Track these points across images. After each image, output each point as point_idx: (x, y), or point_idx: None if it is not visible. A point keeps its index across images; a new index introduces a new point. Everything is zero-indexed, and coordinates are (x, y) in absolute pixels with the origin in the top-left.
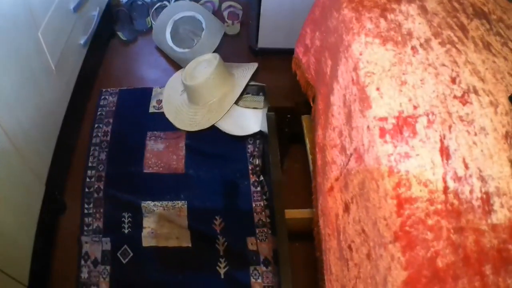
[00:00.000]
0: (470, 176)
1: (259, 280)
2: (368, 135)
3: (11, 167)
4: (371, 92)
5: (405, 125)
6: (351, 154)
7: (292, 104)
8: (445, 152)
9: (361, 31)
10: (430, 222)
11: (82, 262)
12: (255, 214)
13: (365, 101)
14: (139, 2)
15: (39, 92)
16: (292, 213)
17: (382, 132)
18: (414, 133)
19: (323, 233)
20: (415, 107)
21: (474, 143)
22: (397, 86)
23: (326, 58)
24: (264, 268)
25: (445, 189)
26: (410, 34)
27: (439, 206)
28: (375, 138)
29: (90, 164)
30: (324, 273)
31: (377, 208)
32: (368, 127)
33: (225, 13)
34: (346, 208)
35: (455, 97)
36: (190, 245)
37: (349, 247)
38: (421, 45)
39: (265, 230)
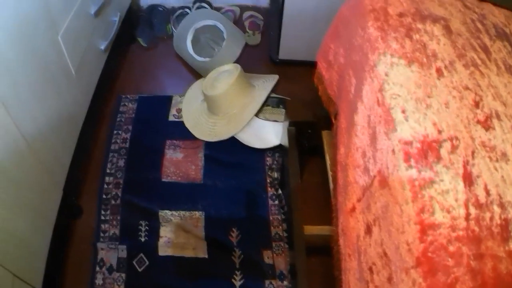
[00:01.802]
0: (491, 202)
1: None
2: (393, 159)
3: (29, 171)
4: (396, 115)
5: (429, 149)
6: (374, 176)
7: (313, 118)
8: (467, 178)
9: (386, 51)
10: (451, 248)
11: (97, 268)
12: (272, 227)
13: (390, 123)
14: (160, 8)
15: (59, 96)
16: (311, 229)
17: (407, 156)
18: (438, 158)
19: (343, 252)
20: (439, 132)
21: (495, 169)
22: (422, 109)
23: (350, 76)
24: (279, 282)
25: (467, 215)
26: (435, 55)
27: (460, 233)
28: (399, 162)
29: (108, 171)
30: None
31: (400, 233)
32: (393, 150)
33: (246, 23)
34: (368, 230)
35: (478, 121)
36: (206, 256)
37: (370, 269)
38: (445, 67)
39: (282, 244)
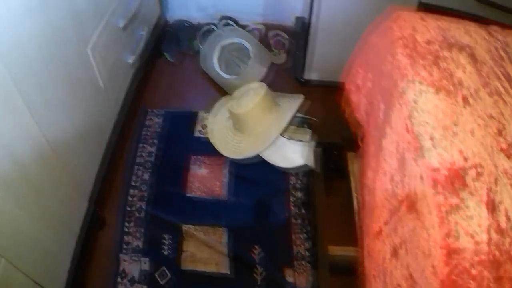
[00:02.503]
0: (511, 228)
1: None
2: (421, 185)
3: (56, 181)
4: (425, 142)
5: (455, 176)
6: (402, 201)
7: (339, 140)
8: (490, 205)
9: (415, 78)
10: (474, 271)
11: (119, 279)
12: (294, 246)
13: (419, 150)
14: (186, 24)
15: (87, 108)
16: (335, 249)
17: (435, 182)
18: (464, 185)
19: (368, 273)
20: (465, 159)
21: None
22: (449, 137)
23: (379, 101)
24: None
25: (489, 240)
26: (461, 83)
27: (482, 257)
28: (427, 188)
29: (133, 183)
30: None
31: (426, 256)
32: (421, 176)
33: (272, 41)
34: (394, 253)
35: (501, 149)
36: (228, 272)
37: None
38: (471, 95)
39: (303, 263)
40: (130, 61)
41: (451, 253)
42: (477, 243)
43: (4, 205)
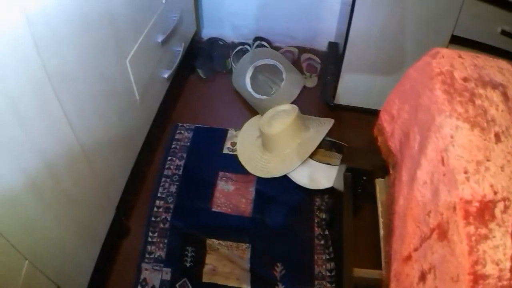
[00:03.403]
0: None
1: None
2: (453, 215)
3: (87, 188)
4: (459, 175)
5: (486, 209)
6: (433, 229)
7: (369, 166)
8: None
9: (452, 114)
10: None
11: (139, 287)
12: (316, 266)
13: (453, 182)
14: (220, 42)
15: (121, 118)
16: (360, 272)
17: (467, 213)
18: (493, 217)
19: None
20: (495, 193)
21: None
22: (481, 171)
23: (415, 133)
24: None
25: (511, 267)
26: (493, 120)
27: (505, 283)
28: (459, 218)
29: (159, 195)
30: None
31: (454, 281)
32: (454, 207)
33: (304, 65)
34: (422, 277)
35: None
36: (249, 287)
37: None
38: (502, 132)
39: (324, 283)
40: (166, 75)
41: (478, 279)
42: (501, 270)
43: (33, 208)
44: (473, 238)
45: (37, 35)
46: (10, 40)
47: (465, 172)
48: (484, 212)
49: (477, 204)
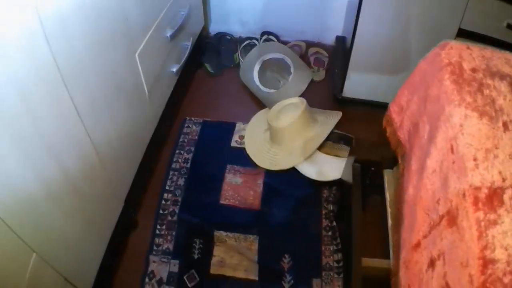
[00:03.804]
0: None
1: None
2: (463, 201)
3: (96, 182)
4: (469, 162)
5: (494, 195)
6: (443, 216)
7: (377, 157)
8: None
9: (461, 104)
10: (505, 280)
11: (147, 279)
12: (323, 257)
13: (463, 170)
14: (228, 37)
15: (130, 112)
16: (368, 262)
17: (476, 200)
18: (502, 203)
19: (403, 283)
20: (503, 180)
21: None
22: (490, 159)
23: (424, 123)
24: None
25: None
26: (501, 110)
27: None
28: (468, 205)
29: (167, 188)
30: None
31: (464, 266)
32: (463, 194)
33: (311, 58)
34: (432, 264)
35: None
36: (257, 278)
37: None
38: (510, 121)
39: (331, 274)
40: (174, 70)
41: (487, 263)
42: (509, 255)
43: (41, 201)
44: (482, 224)
45: (48, 30)
46: (22, 35)
47: (474, 160)
48: (493, 198)
49: (486, 191)
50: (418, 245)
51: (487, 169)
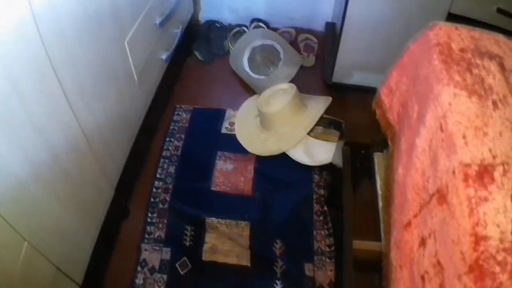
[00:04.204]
0: None
1: None
2: (453, 179)
3: (86, 168)
4: (458, 140)
5: (485, 172)
6: (433, 194)
7: (367, 140)
8: None
9: (450, 83)
10: (499, 257)
11: (139, 268)
12: (315, 241)
13: (452, 147)
14: (217, 25)
15: (120, 99)
16: (360, 244)
17: (466, 177)
18: (492, 180)
19: (394, 264)
20: (494, 157)
21: None
22: (480, 136)
23: (413, 103)
24: None
25: None
26: (491, 89)
27: (507, 245)
28: (459, 182)
29: (158, 176)
30: None
31: (455, 244)
32: (453, 171)
33: (301, 45)
34: (423, 242)
35: None
36: (249, 264)
37: (422, 277)
38: (500, 100)
39: (323, 258)
40: (164, 57)
41: (479, 240)
42: (502, 232)
43: (32, 187)
44: (473, 200)
45: (38, 15)
46: (12, 21)
47: (464, 137)
48: (483, 175)
49: (476, 168)
50: (408, 224)
51: (477, 147)
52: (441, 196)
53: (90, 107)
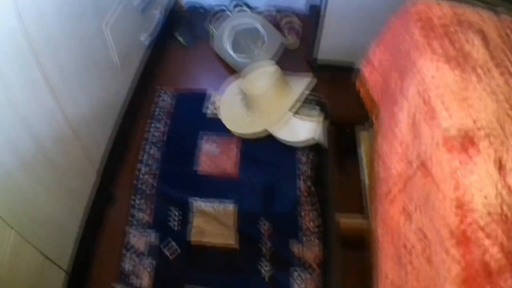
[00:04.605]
0: None
1: (302, 286)
2: (437, 151)
3: (70, 155)
4: (441, 112)
5: (469, 143)
6: (417, 167)
7: (352, 119)
8: (502, 170)
9: (432, 56)
10: (488, 229)
11: (127, 253)
12: (303, 222)
13: (435, 119)
14: (200, 10)
15: (102, 85)
16: (346, 221)
17: (450, 149)
18: (477, 151)
19: (380, 240)
20: (478, 129)
21: None
22: (463, 108)
23: (396, 78)
24: (307, 275)
25: (501, 202)
26: (474, 62)
27: (495, 217)
28: (442, 154)
29: (144, 161)
30: (378, 278)
31: (441, 217)
32: (437, 143)
33: (285, 27)
34: (408, 217)
35: None
36: (237, 246)
37: (409, 252)
38: (484, 73)
39: (311, 238)
40: (146, 42)
41: (466, 212)
42: (490, 204)
43: (17, 175)
44: (458, 172)
45: (20, 1)
46: None
47: (447, 110)
48: (468, 146)
49: (461, 139)
50: (394, 199)
51: (461, 118)
52: (426, 168)
53: (72, 93)
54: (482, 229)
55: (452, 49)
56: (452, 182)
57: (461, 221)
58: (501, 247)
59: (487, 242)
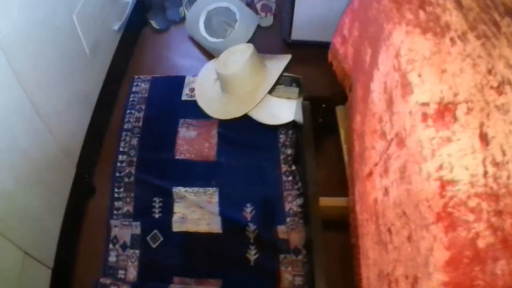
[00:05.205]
0: (507, 162)
1: (289, 269)
2: (410, 120)
3: (44, 148)
4: (413, 78)
5: (446, 111)
6: (392, 139)
7: (327, 93)
8: (484, 138)
9: (402, 21)
10: (471, 204)
11: (111, 246)
12: (286, 203)
13: (407, 87)
14: None
15: (73, 75)
16: (326, 201)
17: (424, 117)
18: (455, 118)
19: (360, 218)
20: (455, 95)
21: (510, 131)
22: (437, 74)
23: (366, 47)
24: (294, 257)
25: (485, 173)
26: (448, 26)
27: (479, 189)
28: (417, 123)
29: (121, 149)
30: (360, 259)
31: (419, 191)
32: (410, 112)
33: (258, 5)
34: (386, 193)
35: (491, 87)
36: (220, 231)
37: (389, 230)
38: (458, 37)
39: (296, 219)
40: (116, 28)
41: (445, 185)
42: (472, 175)
43: None
44: (434, 142)
45: None
46: None
47: (419, 75)
48: (444, 114)
49: (436, 106)
50: (370, 174)
51: (435, 84)
52: (400, 140)
53: (42, 84)
54: (464, 203)
55: (423, 13)
56: (428, 153)
57: (441, 195)
58: (488, 223)
59: (471, 217)
